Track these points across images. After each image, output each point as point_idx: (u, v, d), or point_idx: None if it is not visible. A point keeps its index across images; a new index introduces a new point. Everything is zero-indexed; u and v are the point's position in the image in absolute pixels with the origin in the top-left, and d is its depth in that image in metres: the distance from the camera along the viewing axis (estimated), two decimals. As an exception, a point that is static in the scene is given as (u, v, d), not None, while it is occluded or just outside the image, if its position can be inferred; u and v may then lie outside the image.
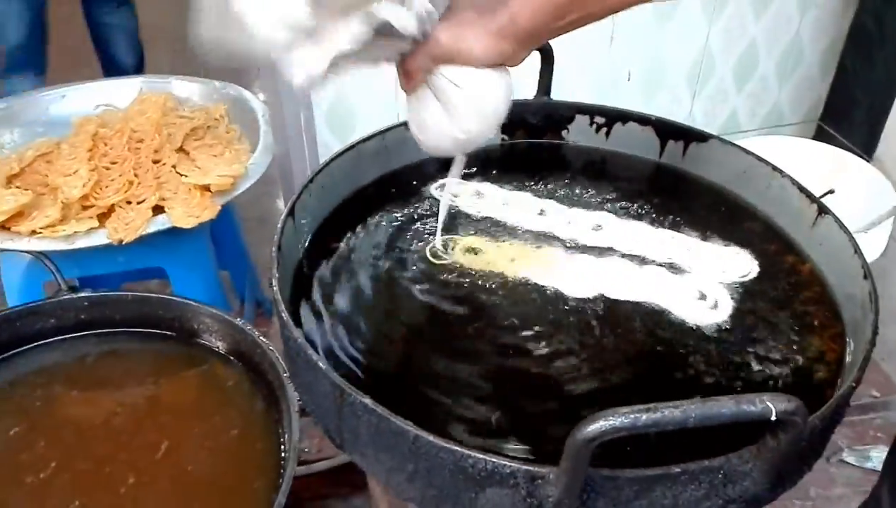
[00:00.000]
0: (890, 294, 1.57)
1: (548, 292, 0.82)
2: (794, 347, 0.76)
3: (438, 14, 0.69)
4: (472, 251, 0.88)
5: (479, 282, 0.84)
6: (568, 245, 0.89)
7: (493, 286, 0.83)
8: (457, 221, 0.93)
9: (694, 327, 0.78)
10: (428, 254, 0.88)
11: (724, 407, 0.48)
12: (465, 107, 0.72)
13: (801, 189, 0.88)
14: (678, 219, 0.93)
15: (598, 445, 0.49)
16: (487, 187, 0.98)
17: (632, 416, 0.47)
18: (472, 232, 0.91)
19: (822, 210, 0.85)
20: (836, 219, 0.83)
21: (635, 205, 0.96)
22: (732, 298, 0.82)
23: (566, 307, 0.80)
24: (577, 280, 0.83)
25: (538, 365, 0.74)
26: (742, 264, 0.86)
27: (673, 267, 0.86)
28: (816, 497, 1.42)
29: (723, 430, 0.51)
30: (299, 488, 0.79)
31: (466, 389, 0.71)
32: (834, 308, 0.80)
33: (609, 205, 0.96)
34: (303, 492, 1.36)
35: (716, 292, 0.82)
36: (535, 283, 0.83)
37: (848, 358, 0.73)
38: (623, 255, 0.87)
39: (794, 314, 0.80)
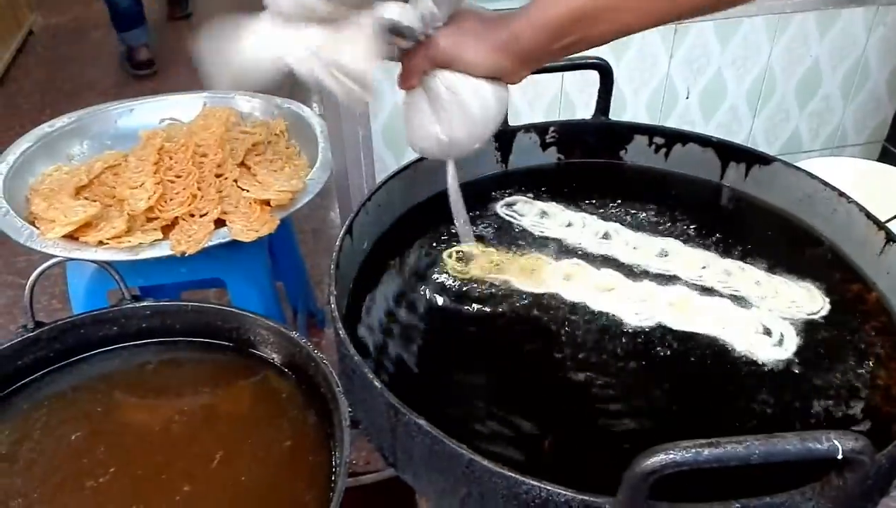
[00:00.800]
0: (960, 323, 1.51)
1: (605, 318, 0.81)
2: (860, 381, 0.74)
3: (442, 18, 0.71)
4: (530, 270, 0.88)
5: (536, 304, 0.83)
6: (630, 270, 0.88)
7: (550, 309, 0.83)
8: (517, 240, 0.93)
9: (756, 363, 0.76)
10: (446, 259, 0.89)
11: (789, 444, 0.47)
12: (453, 111, 0.74)
13: (868, 215, 0.86)
14: (744, 246, 0.91)
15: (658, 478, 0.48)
16: (552, 207, 0.98)
17: (693, 451, 0.46)
18: (532, 251, 0.91)
19: (890, 237, 0.83)
20: (906, 248, 0.80)
21: (700, 230, 0.94)
22: (798, 335, 0.79)
23: (623, 335, 0.79)
24: (636, 307, 0.82)
25: (592, 392, 0.73)
26: (813, 302, 0.83)
27: (739, 300, 0.84)
28: (877, 532, 1.37)
29: (784, 462, 0.50)
30: (347, 500, 0.79)
31: (520, 413, 0.71)
32: (900, 339, 0.78)
33: (674, 230, 0.95)
34: (350, 504, 1.37)
35: (781, 328, 0.80)
36: (593, 308, 0.83)
37: (917, 393, 0.71)
38: (687, 284, 0.86)
39: (859, 345, 0.78)
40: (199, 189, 1.13)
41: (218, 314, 0.98)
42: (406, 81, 0.76)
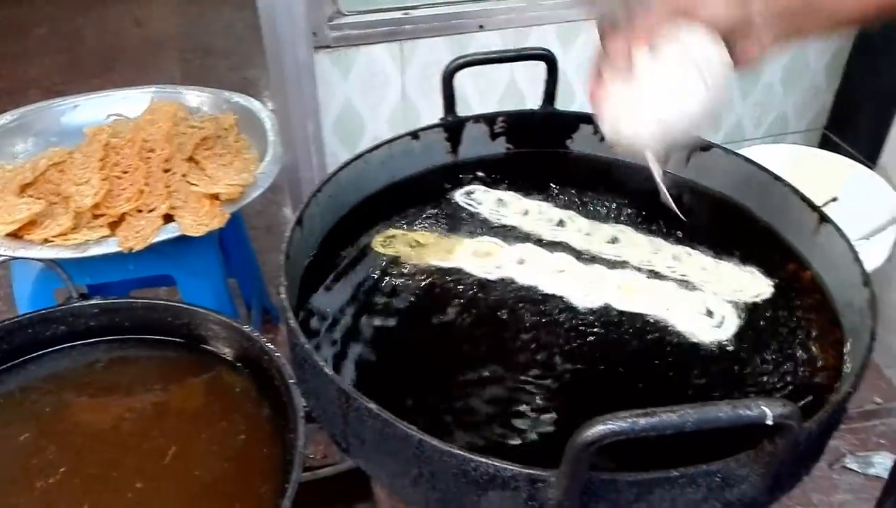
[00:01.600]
0: (893, 301, 1.57)
1: (555, 299, 0.83)
2: (795, 358, 0.77)
3: None
4: (484, 255, 0.90)
5: (486, 288, 0.85)
6: (582, 255, 0.90)
7: (500, 291, 0.84)
8: (472, 227, 0.95)
9: (697, 342, 0.79)
10: (399, 247, 0.90)
11: (721, 411, 0.49)
12: (685, 77, 0.63)
13: (803, 197, 0.89)
14: (687, 230, 0.94)
15: (599, 448, 0.50)
16: (509, 195, 1.00)
17: (630, 420, 0.48)
18: (487, 236, 0.93)
19: (823, 218, 0.86)
20: (837, 228, 0.83)
21: (645, 215, 0.97)
22: (740, 316, 0.82)
23: (571, 315, 0.81)
24: (585, 289, 0.85)
25: (539, 371, 0.75)
26: (757, 286, 0.86)
27: (685, 284, 0.86)
28: (819, 503, 1.43)
29: (722, 435, 0.52)
30: (304, 494, 0.80)
31: (468, 394, 0.72)
32: (834, 315, 0.81)
33: (622, 215, 0.97)
34: (308, 499, 1.37)
35: (724, 310, 0.82)
36: (543, 290, 0.85)
37: (846, 365, 0.74)
38: (636, 269, 0.88)
39: (795, 324, 0.81)
40: (146, 184, 1.12)
41: (168, 310, 0.97)
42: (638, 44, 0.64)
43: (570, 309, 0.82)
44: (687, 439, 0.51)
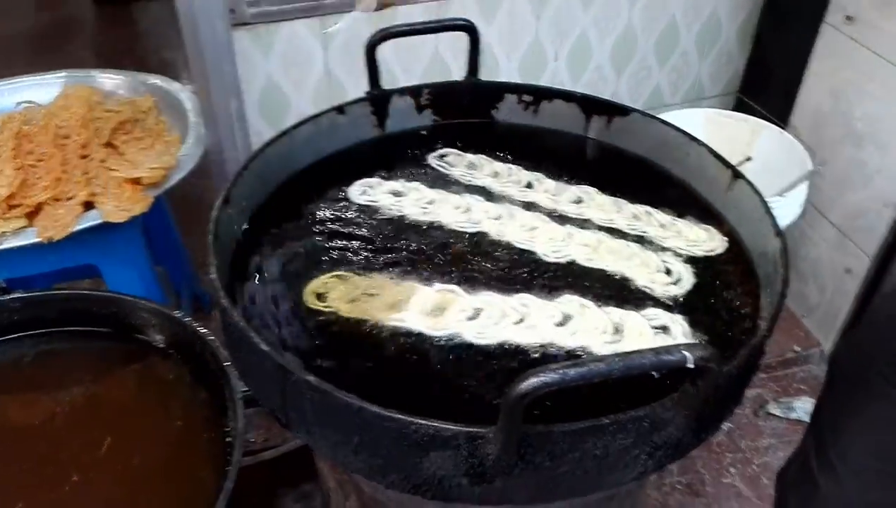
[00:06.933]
0: (807, 253, 1.65)
1: (525, 254, 0.87)
2: (723, 306, 0.81)
3: None
4: (461, 210, 0.93)
5: (452, 242, 0.88)
6: (550, 215, 0.94)
7: (471, 249, 0.88)
8: (449, 187, 0.97)
9: (651, 296, 0.82)
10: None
11: (645, 358, 0.51)
12: None
13: (717, 156, 0.93)
14: (616, 187, 0.98)
15: (533, 402, 0.51)
16: (481, 159, 1.03)
17: (560, 371, 0.50)
18: (462, 196, 0.96)
19: (736, 174, 0.90)
20: (749, 183, 0.87)
21: (571, 176, 1.00)
22: (695, 274, 0.85)
23: (537, 270, 0.85)
24: (553, 246, 0.88)
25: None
26: (712, 241, 0.90)
27: (644, 242, 0.90)
28: (746, 448, 1.51)
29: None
30: (248, 477, 0.80)
31: (409, 360, 0.73)
32: (749, 265, 0.85)
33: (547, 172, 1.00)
34: (252, 481, 1.37)
35: (680, 268, 0.86)
36: (514, 245, 0.88)
37: (763, 311, 0.78)
38: (599, 228, 0.92)
39: (715, 274, 0.85)
40: (63, 172, 1.08)
41: (95, 300, 0.95)
42: None
43: (536, 262, 0.86)
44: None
